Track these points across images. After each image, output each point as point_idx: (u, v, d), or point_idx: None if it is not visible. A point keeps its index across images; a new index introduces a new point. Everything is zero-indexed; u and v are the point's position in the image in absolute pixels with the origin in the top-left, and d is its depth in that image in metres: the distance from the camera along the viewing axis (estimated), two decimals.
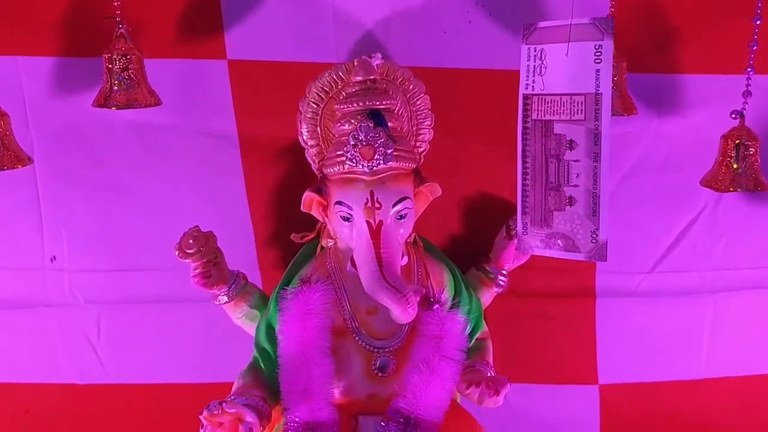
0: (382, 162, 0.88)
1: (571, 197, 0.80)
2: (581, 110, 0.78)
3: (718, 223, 1.13)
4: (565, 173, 0.80)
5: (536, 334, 1.18)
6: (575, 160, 0.79)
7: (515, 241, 1.03)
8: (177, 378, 1.17)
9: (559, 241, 0.83)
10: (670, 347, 1.21)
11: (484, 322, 1.04)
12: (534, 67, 0.79)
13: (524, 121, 0.81)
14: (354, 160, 0.88)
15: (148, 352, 1.16)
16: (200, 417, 0.83)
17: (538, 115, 0.80)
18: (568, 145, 0.79)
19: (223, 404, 0.83)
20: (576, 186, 0.80)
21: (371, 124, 0.87)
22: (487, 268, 1.06)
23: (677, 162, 1.07)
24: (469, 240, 1.11)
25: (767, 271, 1.15)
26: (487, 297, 1.08)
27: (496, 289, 1.07)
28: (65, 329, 1.14)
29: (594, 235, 0.80)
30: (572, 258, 0.83)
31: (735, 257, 1.15)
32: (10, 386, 1.17)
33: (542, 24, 0.78)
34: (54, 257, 1.10)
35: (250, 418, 0.85)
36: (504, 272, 1.06)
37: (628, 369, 1.22)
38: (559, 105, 0.78)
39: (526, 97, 0.81)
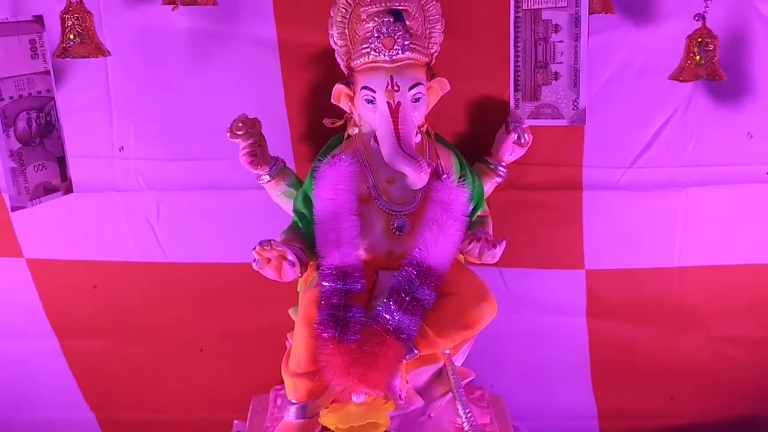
0: (400, 51, 1.06)
1: (556, 73, 0.99)
2: None
3: (688, 124, 1.29)
4: (551, 53, 0.98)
5: (531, 223, 1.35)
6: (559, 41, 0.97)
7: (513, 135, 1.21)
8: (224, 258, 1.36)
9: (546, 110, 1.01)
10: (647, 237, 1.38)
11: (485, 203, 1.22)
12: None
13: (516, 12, 0.99)
14: (377, 50, 1.06)
15: (199, 233, 1.35)
16: (252, 251, 1.02)
17: (527, 5, 0.98)
18: (553, 29, 0.97)
19: (272, 242, 1.02)
20: (560, 63, 0.98)
21: (391, 19, 1.06)
22: (489, 161, 1.24)
23: (652, 68, 1.22)
24: (474, 137, 1.28)
25: (733, 168, 1.31)
26: (489, 186, 1.25)
27: (497, 179, 1.24)
28: (129, 212, 1.33)
29: (575, 103, 0.99)
30: (558, 124, 1.01)
31: (704, 155, 1.31)
32: (82, 263, 1.36)
33: None
34: (122, 147, 1.29)
35: (291, 256, 1.04)
36: (503, 164, 1.23)
37: (611, 256, 1.39)
38: None
39: None
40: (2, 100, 0.99)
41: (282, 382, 1.29)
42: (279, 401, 1.29)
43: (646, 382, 1.51)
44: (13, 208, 1.04)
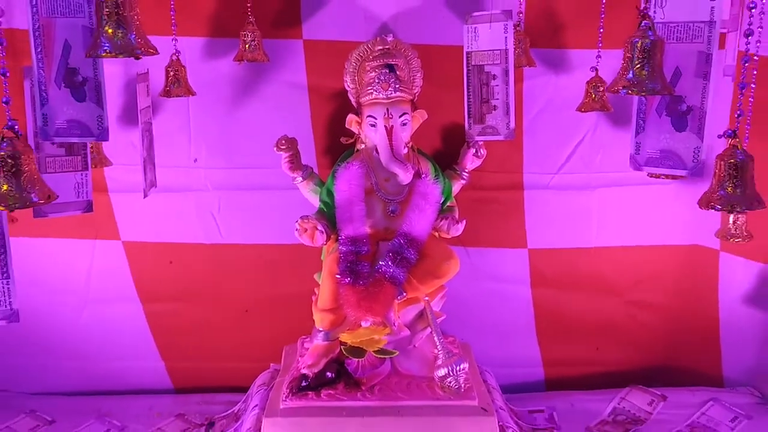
0: (393, 92, 1.56)
1: (495, 106, 1.51)
2: (498, 58, 1.49)
3: (596, 142, 1.80)
4: (491, 93, 1.50)
5: (487, 214, 1.85)
6: (496, 85, 1.49)
7: (472, 149, 1.70)
8: (267, 240, 1.85)
9: (489, 130, 1.53)
10: (572, 224, 1.87)
11: (453, 198, 1.72)
12: (471, 37, 1.50)
13: (467, 66, 1.52)
14: (377, 91, 1.56)
15: (249, 221, 1.83)
16: (295, 223, 1.53)
17: (475, 62, 1.52)
18: (492, 78, 1.50)
19: (309, 216, 1.53)
20: (497, 99, 1.50)
21: (387, 71, 1.57)
22: (456, 168, 1.72)
23: (568, 104, 1.70)
24: (444, 151, 1.78)
25: (628, 174, 1.76)
26: (456, 187, 1.73)
27: (462, 181, 1.73)
28: (198, 206, 1.82)
29: (508, 125, 1.51)
30: (496, 139, 1.53)
31: (608, 165, 1.81)
32: (162, 244, 1.85)
33: (475, 13, 1.50)
34: (196, 159, 1.78)
35: (321, 227, 1.54)
36: (466, 171, 1.72)
37: (546, 238, 1.89)
38: (486, 56, 1.50)
39: (468, 53, 1.52)
40: (141, 124, 1.50)
41: (306, 334, 1.79)
42: (305, 345, 1.78)
43: (577, 336, 1.98)
44: (145, 196, 1.54)
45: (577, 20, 1.70)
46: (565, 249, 1.91)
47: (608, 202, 1.86)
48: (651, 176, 1.59)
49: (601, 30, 1.58)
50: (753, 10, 1.01)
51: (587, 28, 1.63)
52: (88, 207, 1.48)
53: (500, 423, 1.58)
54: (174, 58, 1.60)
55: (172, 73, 1.59)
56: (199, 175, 1.81)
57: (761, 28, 1.49)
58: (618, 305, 1.97)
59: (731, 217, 1.66)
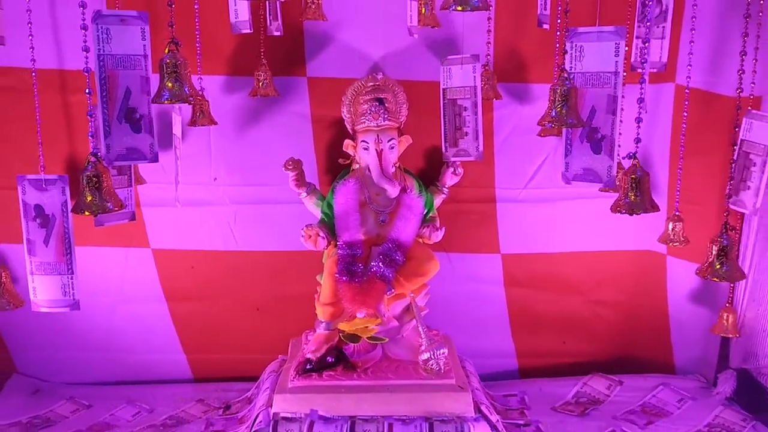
0: (382, 121, 1.86)
1: (466, 132, 1.81)
2: (468, 93, 1.80)
3: (557, 162, 2.08)
4: (463, 122, 1.81)
5: (465, 224, 2.14)
6: (467, 115, 1.80)
7: (451, 168, 2.00)
8: (277, 247, 2.13)
9: (462, 152, 1.83)
10: (539, 232, 2.16)
11: (435, 210, 2.02)
12: (446, 76, 1.81)
13: (443, 100, 1.83)
14: (369, 120, 1.86)
15: (261, 231, 2.12)
16: (301, 231, 1.82)
17: (450, 96, 1.82)
18: (464, 109, 1.80)
19: (312, 225, 1.83)
20: (468, 127, 1.81)
21: (377, 103, 1.87)
22: (437, 184, 2.02)
23: (532, 129, 2.00)
24: (427, 170, 2.07)
25: (587, 189, 2.10)
26: (437, 200, 2.03)
27: (443, 196, 2.02)
28: (217, 218, 2.11)
29: (477, 148, 1.81)
30: (468, 160, 1.83)
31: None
32: (186, 251, 2.14)
33: (450, 56, 1.81)
34: (215, 177, 2.07)
35: (322, 234, 1.85)
36: (446, 186, 2.02)
37: (517, 244, 2.17)
38: (458, 92, 1.80)
39: (444, 89, 1.83)
40: (176, 149, 1.80)
41: (310, 328, 2.07)
42: (309, 338, 2.06)
43: (546, 331, 2.26)
44: (183, 207, 1.84)
45: (537, 59, 2.01)
46: (534, 254, 2.19)
47: (570, 212, 2.14)
48: (602, 191, 1.90)
49: (557, 68, 1.87)
50: (643, 84, 1.36)
51: (546, 65, 1.93)
52: (133, 217, 1.78)
53: (475, 400, 1.85)
54: (199, 93, 1.90)
55: (197, 106, 1.89)
56: (217, 192, 2.10)
57: (690, 66, 1.84)
58: (581, 303, 2.25)
59: (670, 225, 1.96)
